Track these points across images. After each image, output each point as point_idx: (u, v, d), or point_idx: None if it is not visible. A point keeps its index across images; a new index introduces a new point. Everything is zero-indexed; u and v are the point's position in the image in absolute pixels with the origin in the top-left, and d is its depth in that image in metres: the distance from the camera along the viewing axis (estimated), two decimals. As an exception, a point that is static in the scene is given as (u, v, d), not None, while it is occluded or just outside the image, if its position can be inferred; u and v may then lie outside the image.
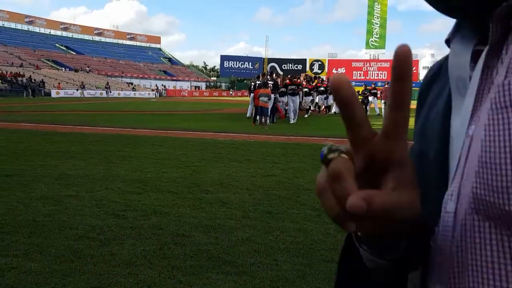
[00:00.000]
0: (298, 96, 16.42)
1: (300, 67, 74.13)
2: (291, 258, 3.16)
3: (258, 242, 3.45)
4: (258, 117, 14.69)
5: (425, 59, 72.61)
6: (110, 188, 5.10)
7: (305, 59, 76.87)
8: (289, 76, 18.41)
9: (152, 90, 57.90)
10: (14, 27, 70.59)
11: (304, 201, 4.75)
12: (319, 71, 73.80)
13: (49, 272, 2.81)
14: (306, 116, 19.48)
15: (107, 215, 4.05)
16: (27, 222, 3.83)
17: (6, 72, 44.73)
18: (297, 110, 16.41)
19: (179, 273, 2.85)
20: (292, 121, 15.73)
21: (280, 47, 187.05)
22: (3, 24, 69.18)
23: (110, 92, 48.44)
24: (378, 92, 22.67)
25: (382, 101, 20.01)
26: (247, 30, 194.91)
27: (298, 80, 18.09)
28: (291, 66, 75.30)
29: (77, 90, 47.04)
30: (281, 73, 26.58)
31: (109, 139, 9.90)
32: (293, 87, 16.01)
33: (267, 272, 2.90)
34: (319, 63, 75.31)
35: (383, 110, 20.99)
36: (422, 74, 71.35)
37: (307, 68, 73.46)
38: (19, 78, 44.05)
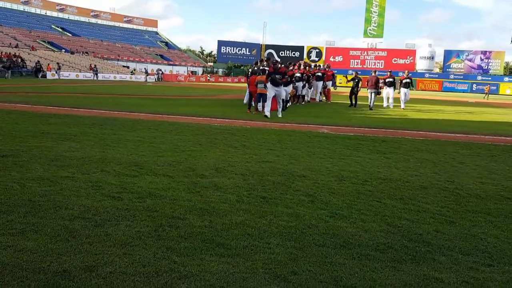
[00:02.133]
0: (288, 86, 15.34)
1: (297, 54, 73.78)
2: (284, 241, 3.22)
3: (251, 226, 3.50)
4: (253, 104, 14.69)
5: (422, 49, 72.21)
6: (106, 171, 5.13)
7: (303, 46, 76.46)
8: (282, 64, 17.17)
9: (149, 74, 57.39)
10: (10, 7, 69.53)
11: (297, 187, 4.80)
12: (317, 59, 73.50)
13: (44, 251, 2.85)
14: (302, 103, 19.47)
15: (102, 197, 4.09)
16: (23, 202, 3.85)
17: (1, 52, 44.18)
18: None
19: (173, 254, 2.90)
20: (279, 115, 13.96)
21: (278, 34, 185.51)
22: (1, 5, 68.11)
23: (97, 76, 47.47)
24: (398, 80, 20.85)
25: (369, 90, 18.61)
26: (246, 16, 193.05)
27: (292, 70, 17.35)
28: (289, 53, 74.92)
29: (82, 71, 46.48)
30: (278, 59, 26.19)
31: (105, 122, 9.89)
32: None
33: (259, 255, 2.96)
34: (317, 50, 74.95)
35: (389, 100, 20.05)
36: (419, 64, 71.22)
37: (305, 55, 73.13)
38: (14, 59, 43.55)
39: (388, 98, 20.38)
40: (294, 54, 74.06)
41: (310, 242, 3.24)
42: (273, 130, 9.81)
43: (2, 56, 42.54)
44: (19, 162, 5.37)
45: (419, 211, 4.15)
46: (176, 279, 2.58)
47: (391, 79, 20.26)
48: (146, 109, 13.48)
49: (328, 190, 4.73)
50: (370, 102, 18.42)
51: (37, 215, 3.51)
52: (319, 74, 21.48)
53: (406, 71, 21.46)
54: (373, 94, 18.48)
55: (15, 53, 46.15)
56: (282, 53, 73.99)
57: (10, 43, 52.04)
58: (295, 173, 5.47)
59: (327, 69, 23.01)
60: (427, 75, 67.03)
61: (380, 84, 19.40)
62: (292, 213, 3.89)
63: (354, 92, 19.23)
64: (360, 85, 19.65)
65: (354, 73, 20.88)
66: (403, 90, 19.96)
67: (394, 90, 20.35)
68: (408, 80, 19.96)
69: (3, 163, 5.30)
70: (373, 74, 18.99)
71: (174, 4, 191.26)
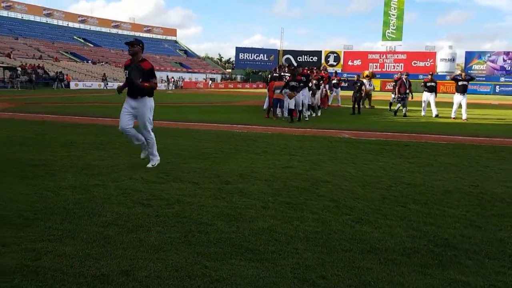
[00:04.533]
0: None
1: (315, 59, 73.66)
2: (311, 247, 3.28)
3: (278, 231, 3.58)
4: (272, 109, 14.81)
5: (442, 51, 71.15)
6: (134, 178, 5.29)
7: (321, 51, 76.32)
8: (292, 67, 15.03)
9: (170, 82, 58.13)
10: (33, 20, 71.59)
11: (322, 192, 4.86)
12: (335, 63, 73.28)
13: (82, 256, 2.99)
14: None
15: (133, 204, 4.23)
16: (58, 209, 4.02)
17: (26, 64, 45.50)
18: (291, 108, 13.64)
19: (204, 259, 3.00)
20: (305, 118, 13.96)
21: (295, 39, 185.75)
22: (22, 17, 70.21)
23: (108, 84, 47.72)
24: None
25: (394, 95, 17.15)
26: (263, 23, 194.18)
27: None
28: (306, 58, 74.86)
29: (102, 81, 47.44)
30: (295, 64, 25.92)
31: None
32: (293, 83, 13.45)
33: (288, 260, 3.03)
34: (335, 55, 74.71)
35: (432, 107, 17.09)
36: (440, 66, 70.18)
37: (323, 60, 72.97)
38: (39, 70, 44.79)
39: (425, 105, 17.90)
40: (311, 58, 73.99)
41: (336, 247, 3.30)
42: (294, 136, 9.88)
43: (27, 68, 43.78)
44: (51, 171, 5.59)
45: (444, 215, 4.15)
46: (208, 283, 2.68)
47: (433, 83, 17.71)
48: (168, 117, 13.71)
49: (352, 195, 4.77)
50: (404, 108, 16.87)
51: (72, 222, 3.67)
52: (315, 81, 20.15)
53: (431, 73, 19.21)
54: (405, 100, 16.92)
55: (38, 64, 47.43)
56: (299, 58, 73.99)
57: (34, 55, 53.54)
58: (318, 179, 5.52)
59: (324, 72, 21.08)
60: (448, 77, 66.00)
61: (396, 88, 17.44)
62: (317, 218, 3.95)
63: (356, 97, 17.63)
64: (363, 89, 18.07)
65: (356, 76, 19.51)
66: (427, 94, 17.71)
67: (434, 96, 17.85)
68: (433, 84, 17.73)
69: (36, 172, 5.51)
70: (403, 78, 17.27)
71: (193, 13, 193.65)
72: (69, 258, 2.95)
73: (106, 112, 15.36)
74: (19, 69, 41.92)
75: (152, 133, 6.03)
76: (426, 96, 17.74)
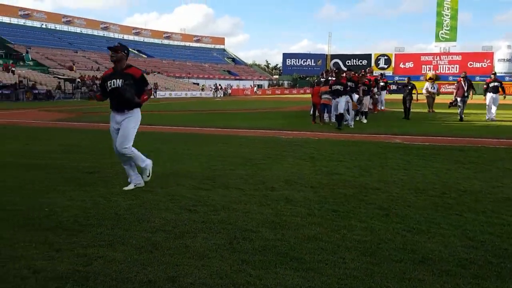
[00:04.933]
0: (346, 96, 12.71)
1: (365, 62, 72.19)
2: (359, 256, 3.17)
3: (324, 240, 3.49)
4: (318, 115, 14.63)
5: (500, 51, 67.31)
6: (182, 184, 5.38)
7: (370, 54, 74.73)
8: (335, 70, 14.46)
9: (216, 89, 59.20)
10: (91, 33, 75.56)
11: (371, 200, 4.70)
12: (385, 66, 71.44)
13: (131, 261, 3.05)
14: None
15: (180, 210, 4.30)
16: (110, 215, 4.16)
17: (85, 75, 48.06)
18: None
19: (249, 267, 2.98)
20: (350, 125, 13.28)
21: (344, 43, 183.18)
22: (81, 31, 74.34)
23: (156, 93, 49.65)
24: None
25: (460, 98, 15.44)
26: (310, 28, 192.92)
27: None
28: (356, 62, 73.54)
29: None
30: (345, 68, 25.13)
31: (177, 138, 10.38)
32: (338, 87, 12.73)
33: (334, 270, 2.94)
34: (385, 57, 72.86)
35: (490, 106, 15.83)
36: (497, 67, 66.39)
37: (373, 63, 71.37)
38: (97, 81, 47.14)
39: (490, 108, 16.25)
40: (361, 62, 72.58)
41: (386, 257, 3.16)
42: (342, 141, 9.69)
43: (86, 79, 46.23)
44: (104, 178, 5.81)
45: (503, 224, 3.88)
46: (253, 291, 2.65)
47: (496, 83, 16.34)
48: (215, 124, 13.93)
49: (403, 203, 4.58)
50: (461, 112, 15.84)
51: (123, 227, 3.78)
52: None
53: (493, 73, 17.75)
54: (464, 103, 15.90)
55: (95, 75, 49.93)
56: (348, 62, 72.83)
57: (92, 67, 56.43)
58: (367, 186, 5.36)
59: (369, 75, 20.00)
60: (507, 78, 62.36)
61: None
62: (366, 227, 3.81)
63: (406, 101, 16.51)
64: (415, 92, 16.84)
65: (406, 79, 18.22)
66: (490, 95, 16.18)
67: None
68: (497, 84, 16.24)
69: (90, 179, 5.75)
70: (460, 79, 16.24)
71: (241, 21, 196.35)
72: (119, 264, 3.02)
73: (156, 120, 15.84)
74: (79, 80, 44.33)
75: (131, 148, 5.20)
76: (491, 97, 16.24)
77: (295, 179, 5.72)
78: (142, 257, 3.12)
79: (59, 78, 44.68)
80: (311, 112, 15.67)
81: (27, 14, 67.43)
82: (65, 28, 71.94)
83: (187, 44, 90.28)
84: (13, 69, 42.79)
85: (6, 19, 63.64)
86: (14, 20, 64.86)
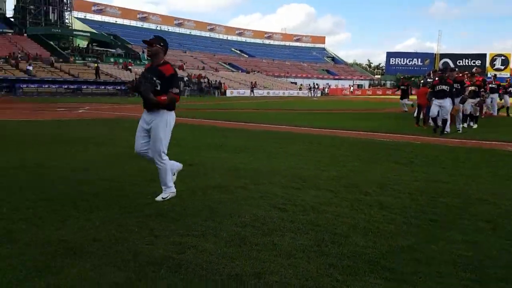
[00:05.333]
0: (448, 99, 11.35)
1: (478, 62, 66.31)
2: (458, 272, 2.91)
3: (420, 251, 3.27)
4: (423, 117, 13.73)
5: None
6: (273, 182, 5.44)
7: (485, 54, 68.47)
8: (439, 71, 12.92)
9: (312, 88, 58.89)
10: (199, 35, 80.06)
11: (476, 211, 4.29)
12: (502, 67, 64.95)
13: (220, 253, 3.16)
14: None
15: (270, 207, 4.34)
16: (204, 207, 4.35)
17: (191, 74, 51.12)
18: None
19: (336, 272, 2.90)
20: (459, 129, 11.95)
21: (455, 42, 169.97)
22: (190, 32, 79.15)
23: (254, 92, 50.86)
24: None
25: None
26: (418, 26, 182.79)
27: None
28: (468, 62, 67.91)
29: (250, 90, 51.13)
30: (456, 69, 23.11)
31: (273, 136, 10.52)
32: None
33: (429, 284, 2.74)
34: (502, 58, 66.22)
35: None
36: None
37: (487, 64, 65.28)
38: (202, 80, 49.93)
39: None
40: (473, 62, 66.79)
41: (490, 275, 2.86)
42: (447, 147, 8.99)
43: (192, 78, 49.17)
44: (202, 171, 6.11)
45: None
46: (338, 297, 2.57)
47: None
48: (310, 124, 13.85)
49: (515, 218, 4.10)
50: None
51: (215, 220, 3.93)
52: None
53: None
54: None
55: (200, 74, 52.81)
56: (459, 62, 67.53)
57: (198, 66, 59.78)
58: (472, 196, 4.90)
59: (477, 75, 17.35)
60: None
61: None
62: (468, 240, 3.49)
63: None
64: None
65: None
66: None
67: None
68: None
69: (190, 171, 6.08)
70: None
71: (343, 20, 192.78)
72: (209, 255, 3.15)
73: (253, 117, 16.25)
74: (187, 78, 47.31)
75: (165, 158, 4.62)
76: None
77: (391, 184, 5.45)
78: (230, 250, 3.21)
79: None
80: (415, 114, 14.79)
81: (145, 17, 73.69)
82: (176, 29, 77.23)
83: (287, 43, 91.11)
84: (130, 67, 47.09)
85: (126, 22, 70.23)
86: (133, 23, 71.27)
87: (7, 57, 39.41)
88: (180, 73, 51.11)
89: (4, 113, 17.14)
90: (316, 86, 60.65)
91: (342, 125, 13.61)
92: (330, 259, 3.11)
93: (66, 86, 37.65)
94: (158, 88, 4.40)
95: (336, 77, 77.96)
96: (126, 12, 71.01)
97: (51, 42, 47.98)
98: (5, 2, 53.93)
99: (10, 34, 48.33)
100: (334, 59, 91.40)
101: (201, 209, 4.25)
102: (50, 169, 6.07)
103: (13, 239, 3.36)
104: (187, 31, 78.90)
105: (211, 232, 3.61)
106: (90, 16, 65.57)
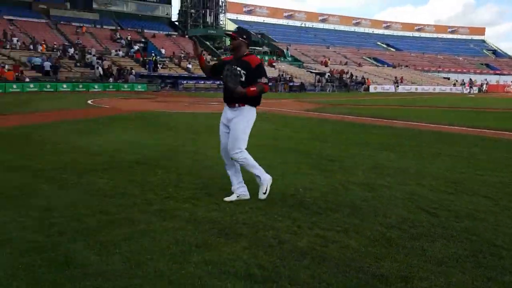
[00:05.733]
0: None
1: None
2: None
3: None
4: None
5: None
6: (421, 184, 5.10)
7: None
8: None
9: (464, 84, 53.20)
10: (342, 29, 79.04)
11: None
12: None
13: (365, 252, 3.09)
14: None
15: (418, 210, 4.09)
16: (346, 202, 4.31)
17: (333, 69, 50.81)
18: None
19: (494, 285, 2.61)
20: None
21: None
22: (334, 28, 78.62)
23: (398, 87, 48.00)
24: None
25: None
26: None
27: None
28: None
29: (394, 84, 48.90)
30: None
31: (421, 135, 9.85)
32: None
33: None
34: None
35: None
36: None
37: None
38: (344, 75, 49.30)
39: None
40: None
41: None
42: None
43: (334, 73, 48.85)
44: (344, 167, 6.04)
45: None
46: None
47: None
48: (470, 123, 12.56)
49: None
50: None
51: (358, 217, 3.86)
52: None
53: None
54: None
55: (342, 69, 52.10)
56: None
57: (341, 61, 59.08)
58: None
59: None
60: None
61: None
62: None
63: None
64: None
65: None
66: None
67: None
68: None
69: (331, 166, 6.08)
70: None
71: (507, 8, 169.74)
72: (352, 252, 3.11)
73: (397, 114, 15.42)
74: (329, 74, 47.27)
75: (243, 153, 4.27)
76: None
77: None
78: (375, 250, 3.12)
79: (311, 72, 48.62)
80: None
81: (290, 15, 75.67)
82: (320, 25, 77.54)
83: (440, 35, 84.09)
84: (274, 64, 48.91)
85: (273, 20, 73.04)
86: (279, 21, 73.80)
87: (171, 56, 44.51)
88: (322, 68, 51.18)
89: (167, 106, 19.42)
90: (472, 82, 54.64)
91: (501, 126, 12.02)
92: (488, 272, 2.80)
93: (218, 82, 40.92)
94: (243, 79, 4.12)
95: (497, 72, 69.15)
96: (273, 11, 73.81)
97: (207, 42, 52.49)
98: (171, 7, 60.75)
99: (174, 36, 54.34)
100: (495, 52, 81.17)
101: (343, 205, 4.22)
102: (207, 156, 6.64)
103: (176, 215, 3.80)
104: (331, 27, 78.49)
105: (354, 229, 3.55)
106: (241, 17, 69.84)
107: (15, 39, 37.15)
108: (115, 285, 2.54)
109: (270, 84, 40.43)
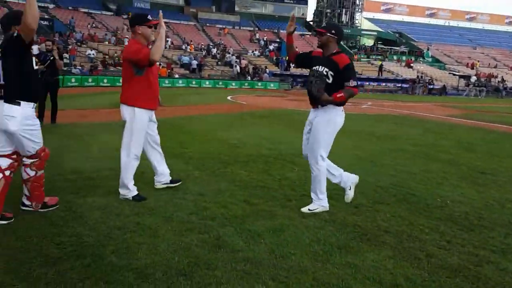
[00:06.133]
0: None
1: None
2: None
3: None
4: None
5: None
6: None
7: None
8: None
9: None
10: (494, 29, 70.91)
11: None
12: None
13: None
14: None
15: None
16: (503, 221, 3.88)
17: (480, 72, 45.95)
18: None
19: None
20: None
21: None
22: (483, 27, 70.92)
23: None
24: None
25: None
26: None
27: None
28: None
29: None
30: None
31: None
32: None
33: None
34: None
35: None
36: None
37: None
38: (492, 79, 44.22)
39: None
40: None
41: None
42: None
43: (481, 76, 44.12)
44: (498, 181, 5.43)
45: None
46: None
47: None
48: None
49: None
50: None
51: None
52: None
53: None
54: None
55: (492, 73, 46.75)
56: None
57: (489, 64, 53.11)
58: None
59: None
60: None
61: None
62: None
63: None
64: None
65: None
66: None
67: None
68: None
69: (482, 179, 5.51)
70: None
71: None
72: (510, 275, 2.79)
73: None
74: (474, 77, 42.85)
75: (321, 163, 3.88)
76: None
77: None
78: None
79: (454, 74, 44.74)
80: None
81: (433, 13, 70.55)
82: (467, 24, 70.73)
83: None
84: (412, 65, 46.16)
85: (412, 19, 68.96)
86: (420, 19, 69.33)
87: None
88: (467, 71, 46.69)
89: (299, 104, 19.69)
90: None
91: None
92: None
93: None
94: (330, 80, 3.77)
95: None
96: (413, 9, 69.53)
97: (341, 42, 51.82)
98: (307, 7, 61.42)
99: (308, 35, 54.90)
100: None
101: (499, 224, 3.80)
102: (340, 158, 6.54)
103: (315, 214, 3.82)
104: (479, 26, 70.90)
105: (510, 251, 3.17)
106: (378, 15, 67.27)
107: (168, 40, 41.47)
108: (263, 273, 2.67)
109: (407, 86, 38.14)
